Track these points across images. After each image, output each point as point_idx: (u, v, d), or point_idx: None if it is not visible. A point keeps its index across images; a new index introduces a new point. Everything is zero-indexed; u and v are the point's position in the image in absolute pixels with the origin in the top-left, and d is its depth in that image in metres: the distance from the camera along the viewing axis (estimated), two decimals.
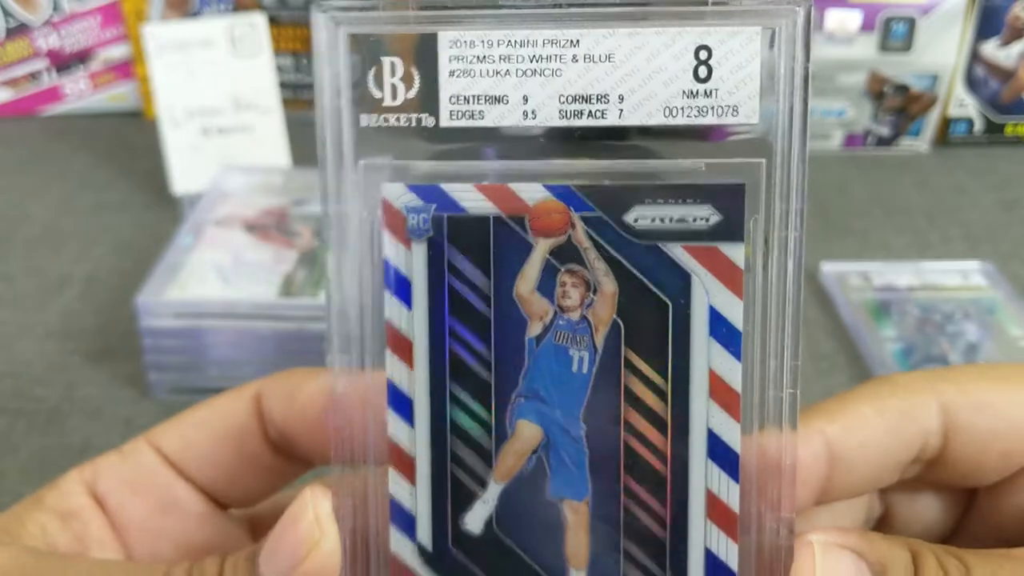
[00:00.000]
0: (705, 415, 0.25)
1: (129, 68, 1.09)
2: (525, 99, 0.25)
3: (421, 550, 0.27)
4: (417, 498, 0.26)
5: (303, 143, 0.93)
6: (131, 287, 0.72)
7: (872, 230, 0.86)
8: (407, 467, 0.26)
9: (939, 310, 0.73)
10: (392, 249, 0.26)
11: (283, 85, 1.01)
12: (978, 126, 1.02)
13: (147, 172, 0.95)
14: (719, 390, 0.25)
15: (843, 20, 0.96)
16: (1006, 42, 0.98)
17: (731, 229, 0.24)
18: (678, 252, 0.25)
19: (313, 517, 0.26)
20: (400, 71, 0.25)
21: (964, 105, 1.01)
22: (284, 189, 0.83)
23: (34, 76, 1.08)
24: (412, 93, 0.25)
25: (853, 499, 0.31)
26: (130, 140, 1.04)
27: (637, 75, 0.24)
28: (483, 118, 0.25)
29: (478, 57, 0.25)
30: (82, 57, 1.08)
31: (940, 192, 0.93)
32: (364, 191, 0.25)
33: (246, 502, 0.33)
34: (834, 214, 0.88)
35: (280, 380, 0.31)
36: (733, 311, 0.25)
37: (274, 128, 0.90)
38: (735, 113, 0.24)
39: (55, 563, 0.28)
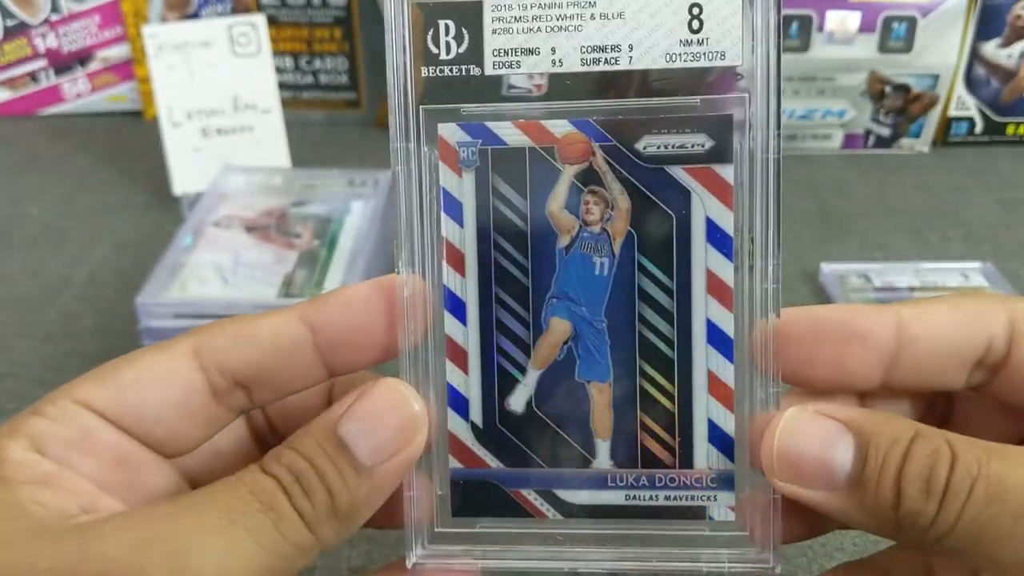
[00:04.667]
0: (704, 307, 0.34)
1: (129, 68, 1.14)
2: (553, 50, 0.33)
3: (473, 427, 0.35)
4: (469, 384, 0.35)
5: (303, 143, 0.99)
6: (131, 287, 0.76)
7: (872, 230, 0.90)
8: (461, 358, 0.35)
9: None
10: (447, 178, 0.34)
11: (283, 85, 1.07)
12: (979, 126, 1.06)
13: (147, 172, 1.00)
14: (715, 286, 0.34)
15: (843, 20, 1.00)
16: (1007, 42, 1.02)
17: (722, 152, 0.33)
18: (680, 173, 0.33)
19: (417, 406, 0.33)
20: (453, 31, 0.33)
21: (964, 105, 1.05)
22: (284, 189, 0.88)
23: (33, 76, 1.14)
24: (462, 48, 0.34)
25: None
26: (130, 140, 1.09)
27: (643, 28, 0.33)
28: (519, 67, 0.33)
29: (515, 17, 0.33)
30: (81, 57, 1.14)
31: (940, 192, 0.97)
32: (425, 131, 0.34)
33: (182, 452, 0.34)
34: (834, 214, 0.92)
35: (220, 329, 0.34)
36: (725, 220, 0.33)
37: (274, 128, 0.95)
38: (723, 57, 0.32)
39: (149, 513, 0.30)
